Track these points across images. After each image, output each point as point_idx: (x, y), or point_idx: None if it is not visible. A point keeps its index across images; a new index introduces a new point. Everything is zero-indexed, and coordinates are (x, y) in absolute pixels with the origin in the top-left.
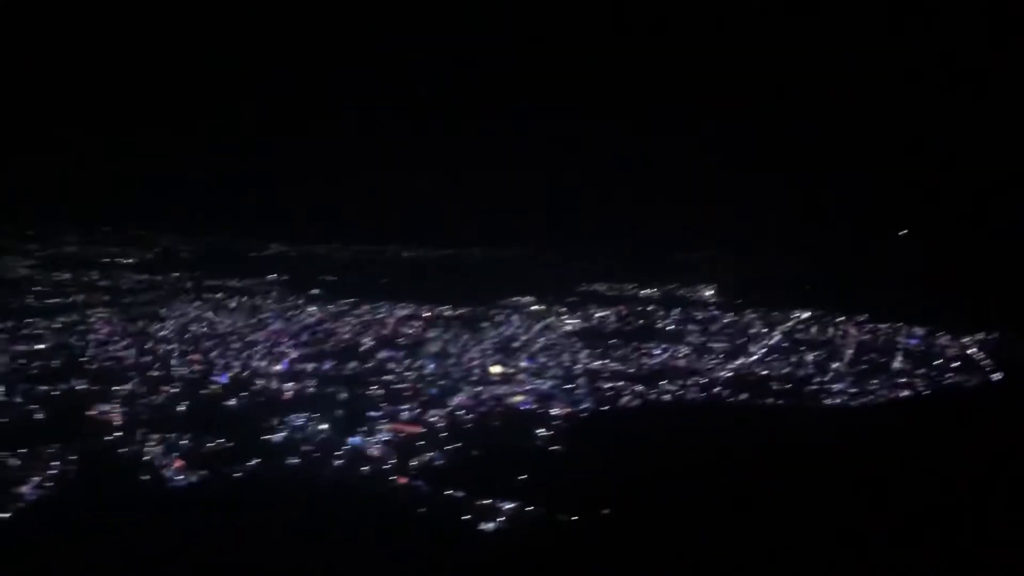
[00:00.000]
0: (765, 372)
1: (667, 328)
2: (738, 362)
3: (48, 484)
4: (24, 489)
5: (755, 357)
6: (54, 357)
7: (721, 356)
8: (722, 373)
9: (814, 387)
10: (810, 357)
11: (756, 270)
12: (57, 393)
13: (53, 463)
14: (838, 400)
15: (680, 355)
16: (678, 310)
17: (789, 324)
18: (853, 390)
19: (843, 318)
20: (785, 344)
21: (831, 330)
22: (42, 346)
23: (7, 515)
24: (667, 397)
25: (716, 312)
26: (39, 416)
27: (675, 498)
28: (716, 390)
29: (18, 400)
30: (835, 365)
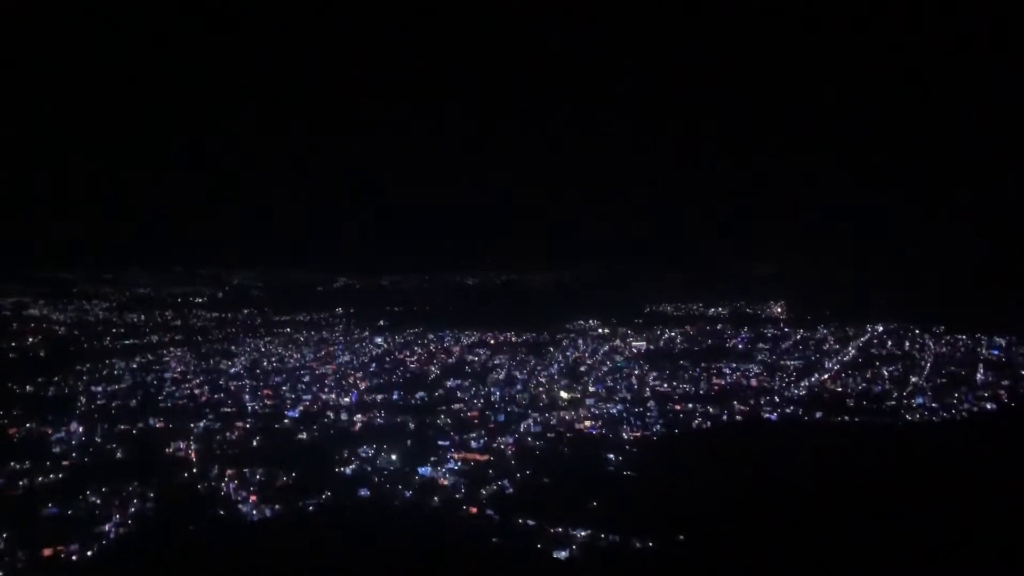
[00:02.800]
0: (840, 389)
1: (737, 347)
2: (812, 379)
3: (128, 522)
4: (106, 527)
5: (829, 373)
6: (131, 396)
7: (794, 374)
8: (795, 391)
9: (892, 402)
10: (887, 372)
11: (826, 284)
12: (135, 432)
13: (132, 501)
14: (919, 415)
15: (751, 374)
16: (747, 328)
17: (864, 339)
18: (934, 404)
19: (920, 331)
20: (860, 359)
21: (908, 343)
22: (120, 386)
23: (89, 553)
24: (739, 418)
25: (786, 329)
26: (118, 455)
27: (752, 521)
28: (790, 409)
29: (98, 440)
30: (914, 379)
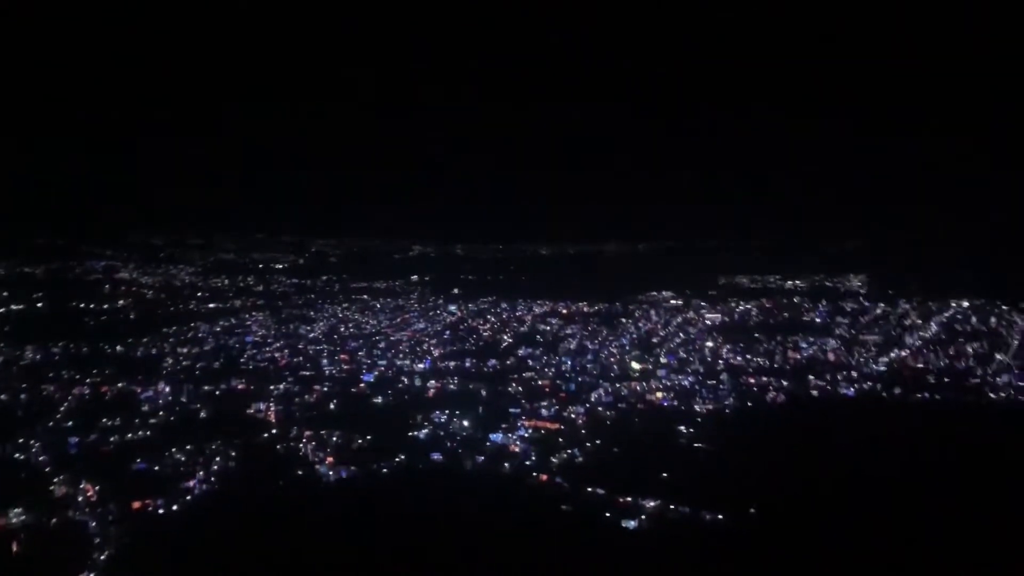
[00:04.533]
0: (922, 365)
1: (814, 321)
2: (892, 355)
3: (212, 479)
4: (190, 483)
5: (910, 350)
6: (215, 358)
7: (873, 349)
8: (875, 367)
9: (976, 380)
10: (971, 349)
11: (909, 257)
12: (218, 393)
13: (215, 459)
14: (1003, 394)
15: (828, 349)
16: (825, 302)
17: (947, 314)
18: (1021, 383)
19: (1007, 307)
20: (943, 335)
21: (993, 320)
22: (204, 348)
23: (174, 508)
24: (815, 393)
25: (867, 303)
26: (203, 414)
27: (824, 497)
28: (868, 385)
29: (183, 399)
30: (999, 357)
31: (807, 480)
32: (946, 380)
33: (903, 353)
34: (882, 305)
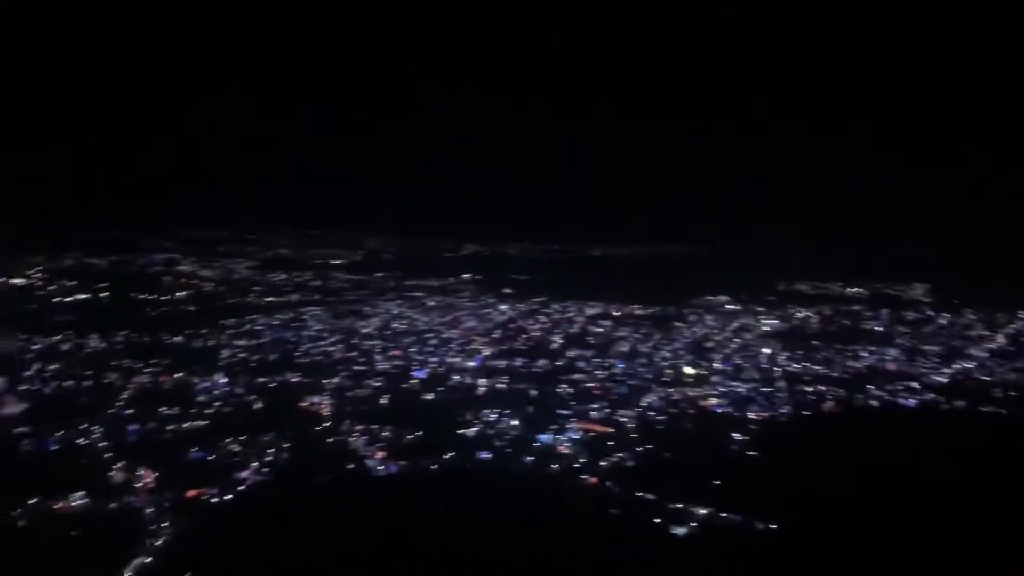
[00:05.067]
0: (987, 378)
1: (875, 329)
2: (955, 367)
3: (264, 470)
4: (243, 474)
5: (975, 361)
6: (271, 351)
7: (935, 360)
8: (936, 378)
9: None
10: None
11: (976, 266)
12: (273, 385)
13: (269, 450)
14: None
15: (889, 358)
16: (887, 310)
17: (1014, 325)
18: None
19: None
20: (1010, 347)
21: None
22: (261, 341)
23: (228, 497)
24: (874, 403)
25: (930, 312)
26: (257, 406)
27: (880, 511)
28: (930, 396)
29: (239, 391)
30: None
31: (863, 492)
32: (1011, 394)
33: (967, 365)
34: (946, 315)
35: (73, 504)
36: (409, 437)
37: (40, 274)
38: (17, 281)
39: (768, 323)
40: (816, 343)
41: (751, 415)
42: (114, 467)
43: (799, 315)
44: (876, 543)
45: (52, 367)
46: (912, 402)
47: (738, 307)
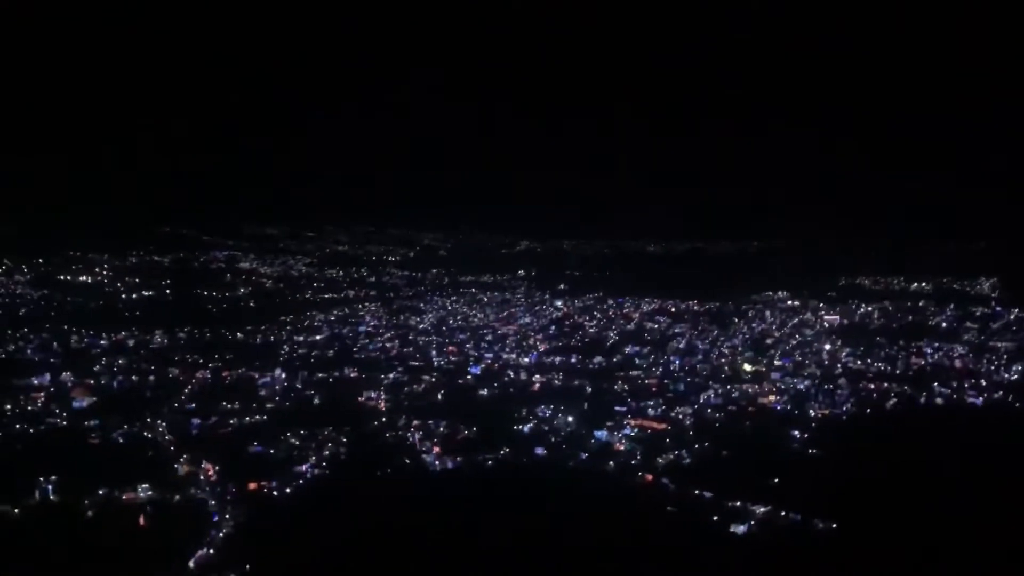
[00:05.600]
0: None
1: (940, 325)
2: None
3: (323, 464)
4: (303, 468)
5: None
6: (329, 347)
7: (1004, 357)
8: (1006, 375)
9: None
10: None
11: None
12: (331, 380)
13: (327, 445)
14: None
15: (955, 355)
16: (953, 305)
17: None
18: None
19: None
20: None
21: None
22: (319, 337)
23: (288, 490)
24: (939, 401)
25: (998, 308)
26: (316, 401)
27: (943, 511)
28: (998, 395)
29: (298, 386)
30: None
31: (925, 492)
32: None
33: None
34: (1015, 310)
35: (140, 496)
36: (465, 433)
37: (106, 271)
38: (85, 278)
39: (829, 319)
40: (879, 339)
41: (811, 412)
42: (178, 460)
43: (861, 311)
44: (937, 544)
45: (119, 362)
46: (979, 400)
47: (798, 303)
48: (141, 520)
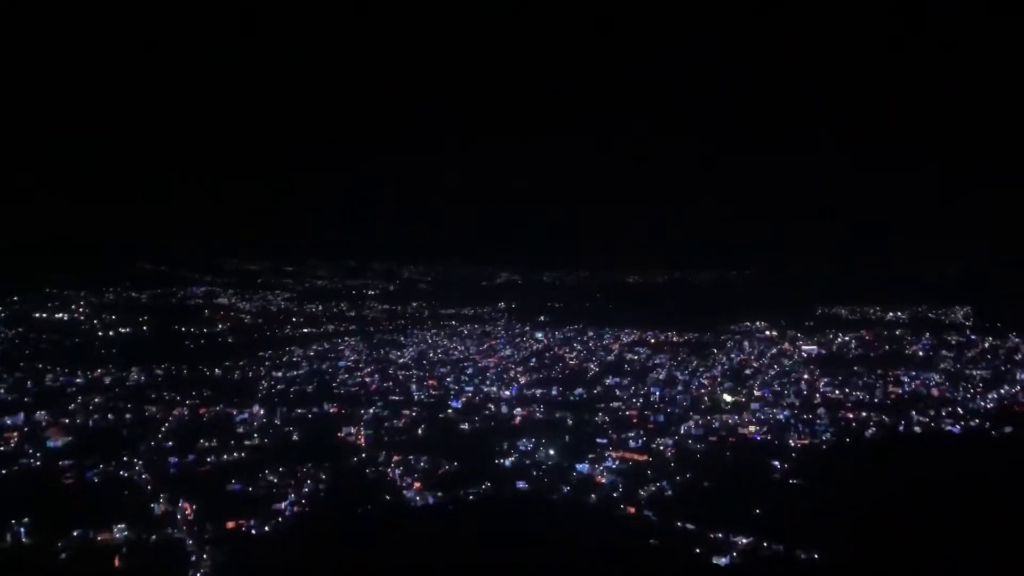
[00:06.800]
0: None
1: (917, 354)
2: (1001, 391)
3: (303, 501)
4: (282, 505)
5: (1021, 385)
6: (308, 382)
7: (980, 385)
8: (982, 403)
9: None
10: None
11: (1018, 287)
12: (311, 416)
13: (307, 482)
14: None
15: (932, 383)
16: (929, 334)
17: None
18: None
19: None
20: None
21: None
22: (298, 372)
23: (267, 528)
24: (917, 429)
25: (973, 336)
26: (295, 437)
27: (926, 539)
28: (975, 422)
29: (277, 422)
30: None
31: (907, 520)
32: None
33: (1013, 389)
34: (989, 338)
35: (116, 536)
36: (446, 467)
37: (82, 308)
38: (61, 315)
39: (807, 348)
40: (857, 368)
41: (791, 442)
42: (155, 499)
43: (839, 340)
44: (919, 572)
45: (95, 400)
46: (956, 428)
47: (776, 332)
48: (117, 562)
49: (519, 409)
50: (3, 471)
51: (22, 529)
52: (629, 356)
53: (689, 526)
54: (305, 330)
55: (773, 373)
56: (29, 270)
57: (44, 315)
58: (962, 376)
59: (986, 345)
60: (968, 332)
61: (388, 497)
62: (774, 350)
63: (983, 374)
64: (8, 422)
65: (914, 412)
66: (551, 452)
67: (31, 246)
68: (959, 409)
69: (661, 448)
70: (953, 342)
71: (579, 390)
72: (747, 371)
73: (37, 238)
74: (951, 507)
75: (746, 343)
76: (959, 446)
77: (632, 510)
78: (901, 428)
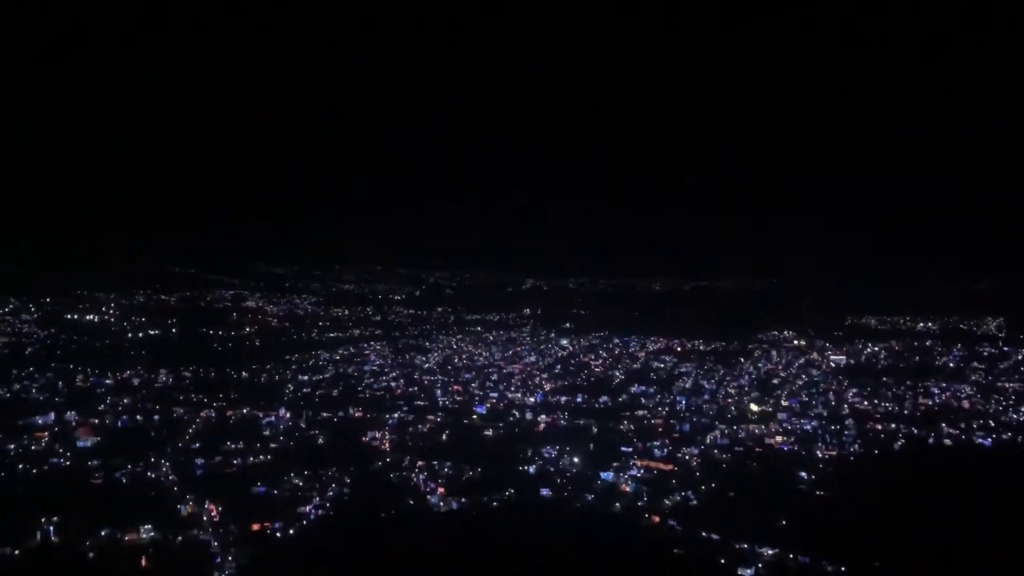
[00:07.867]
0: None
1: (948, 365)
2: None
3: (327, 505)
4: (306, 508)
5: None
6: (334, 386)
7: (1012, 397)
8: (1014, 415)
9: None
10: None
11: None
12: (336, 420)
13: (331, 485)
14: None
15: (963, 395)
16: (960, 345)
17: None
18: None
19: None
20: None
21: None
22: (324, 376)
23: (291, 531)
24: (947, 442)
25: (1005, 347)
26: (320, 441)
27: (953, 553)
28: (1007, 435)
29: (303, 425)
30: None
31: (935, 535)
32: None
33: None
34: (1023, 350)
35: (142, 537)
36: (470, 473)
37: (112, 310)
38: (91, 317)
39: (835, 358)
40: (886, 379)
41: (819, 453)
42: (181, 500)
43: (868, 350)
44: None
45: (123, 401)
46: (988, 442)
47: (804, 342)
48: (143, 561)
49: (543, 416)
50: (34, 470)
51: (51, 528)
52: (655, 364)
53: (714, 536)
54: (331, 334)
55: (801, 383)
56: (60, 272)
57: (75, 316)
58: (994, 388)
59: (1019, 357)
60: (1001, 343)
61: (412, 502)
62: (802, 360)
63: (1016, 386)
64: (39, 422)
65: (944, 424)
66: (575, 460)
67: (62, 248)
68: (991, 422)
69: (686, 457)
70: (985, 353)
71: (604, 398)
72: (774, 381)
73: (68, 241)
74: (981, 522)
75: (774, 352)
76: (991, 459)
77: (656, 519)
78: (931, 440)
